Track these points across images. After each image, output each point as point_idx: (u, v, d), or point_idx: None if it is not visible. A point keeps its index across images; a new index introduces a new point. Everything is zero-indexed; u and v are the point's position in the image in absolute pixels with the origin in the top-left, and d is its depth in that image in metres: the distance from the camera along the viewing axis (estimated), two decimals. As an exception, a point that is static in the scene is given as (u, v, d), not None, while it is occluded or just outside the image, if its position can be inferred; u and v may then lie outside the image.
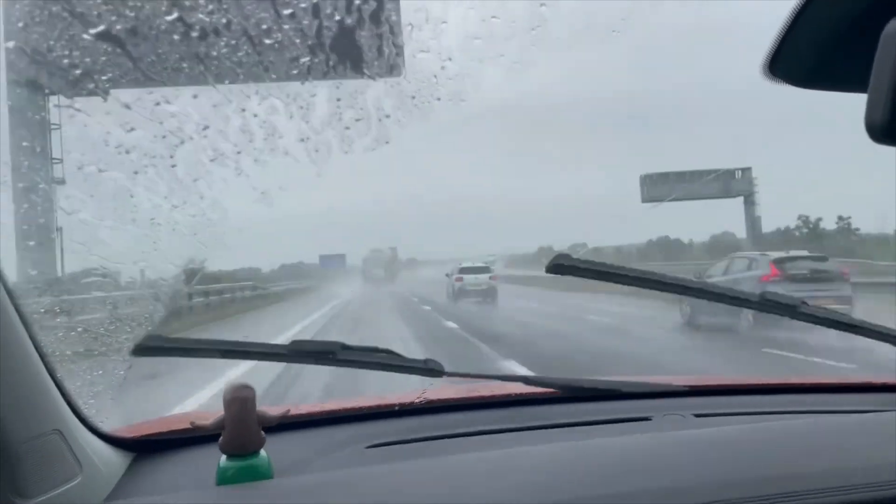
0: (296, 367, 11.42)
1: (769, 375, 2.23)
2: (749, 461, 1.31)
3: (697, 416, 1.81)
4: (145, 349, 1.43)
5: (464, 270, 31.20)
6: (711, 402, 1.96)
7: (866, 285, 18.73)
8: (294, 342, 1.51)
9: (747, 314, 13.73)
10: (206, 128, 2.06)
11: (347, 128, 2.40)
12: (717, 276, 17.22)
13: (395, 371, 1.66)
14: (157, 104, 2.07)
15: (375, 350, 1.62)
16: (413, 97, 2.63)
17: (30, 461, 1.17)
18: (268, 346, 1.53)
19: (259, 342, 1.50)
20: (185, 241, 1.77)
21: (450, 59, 2.65)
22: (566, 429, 1.75)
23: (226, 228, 1.97)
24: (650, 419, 1.79)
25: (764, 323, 13.47)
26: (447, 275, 32.47)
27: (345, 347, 1.55)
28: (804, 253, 18.59)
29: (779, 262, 16.78)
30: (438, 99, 2.64)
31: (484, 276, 30.85)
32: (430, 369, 1.64)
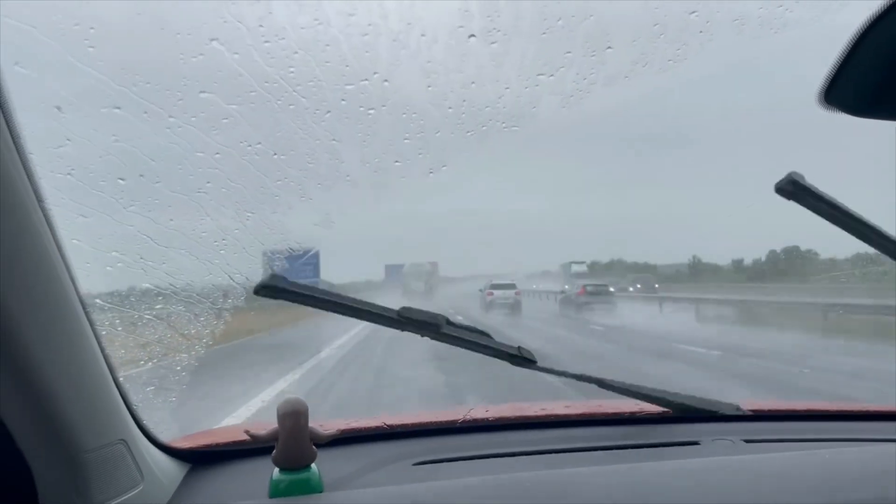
0: (333, 379, 11.77)
1: (820, 402, 2.14)
2: (798, 490, 1.29)
3: (748, 441, 1.78)
4: (266, 288, 1.42)
5: (494, 287, 36.81)
6: (762, 427, 1.92)
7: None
8: (404, 308, 1.53)
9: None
10: (275, 154, 2.16)
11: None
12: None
13: (489, 354, 1.66)
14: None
15: (475, 330, 1.63)
16: (469, 131, 2.68)
17: (96, 469, 1.22)
18: (379, 307, 1.52)
19: (371, 303, 1.51)
20: (245, 259, 1.85)
21: (507, 89, 2.69)
22: (615, 451, 1.73)
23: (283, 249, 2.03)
24: (699, 443, 1.76)
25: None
26: (480, 290, 37.91)
27: (448, 323, 1.57)
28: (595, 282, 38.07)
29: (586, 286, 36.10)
30: (496, 126, 2.68)
31: (511, 292, 36.42)
32: (522, 357, 1.66)
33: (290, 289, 1.43)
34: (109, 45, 1.81)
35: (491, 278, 38.61)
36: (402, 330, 1.56)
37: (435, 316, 1.55)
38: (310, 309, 1.49)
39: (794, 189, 1.37)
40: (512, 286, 36.87)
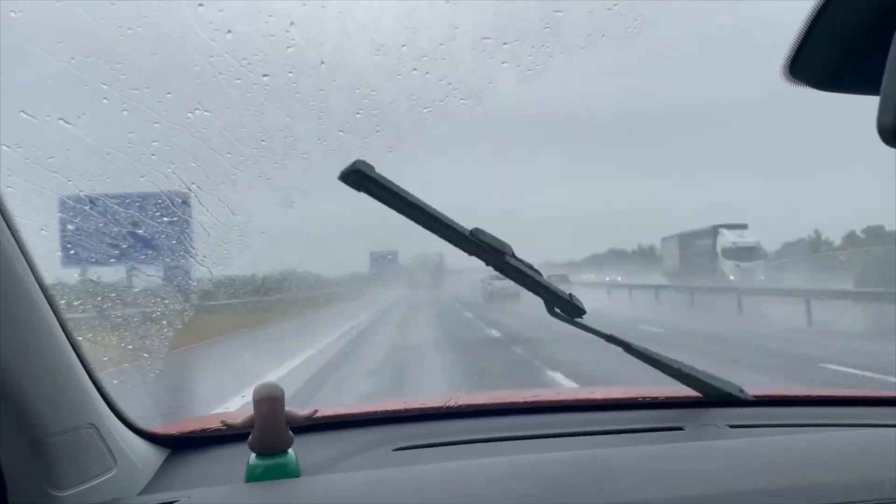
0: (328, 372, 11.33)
1: (803, 388, 2.18)
2: (781, 473, 1.31)
3: (732, 426, 1.79)
4: (354, 173, 1.41)
5: (494, 277, 37.18)
6: (745, 412, 1.94)
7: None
8: (476, 230, 1.54)
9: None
10: (226, 130, 2.10)
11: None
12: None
13: (542, 295, 1.67)
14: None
15: (534, 270, 1.64)
16: (427, 107, 2.66)
17: (63, 453, 1.21)
18: (453, 222, 1.51)
19: (445, 216, 1.49)
20: (211, 244, 1.81)
21: (462, 63, 2.67)
22: (597, 436, 1.75)
23: (249, 231, 2.00)
24: (683, 429, 1.77)
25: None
26: (482, 280, 39.75)
27: (513, 255, 1.59)
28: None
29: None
30: (453, 102, 2.67)
31: (509, 282, 37.41)
32: (572, 305, 1.68)
33: (377, 179, 1.42)
34: (48, 24, 1.74)
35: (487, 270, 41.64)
36: (470, 254, 1.56)
37: (503, 244, 1.57)
38: (285, 307, 1.48)
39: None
40: None
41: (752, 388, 1.96)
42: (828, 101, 1.22)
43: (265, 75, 2.35)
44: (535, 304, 1.75)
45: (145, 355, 1.83)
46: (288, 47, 2.57)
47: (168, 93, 2.16)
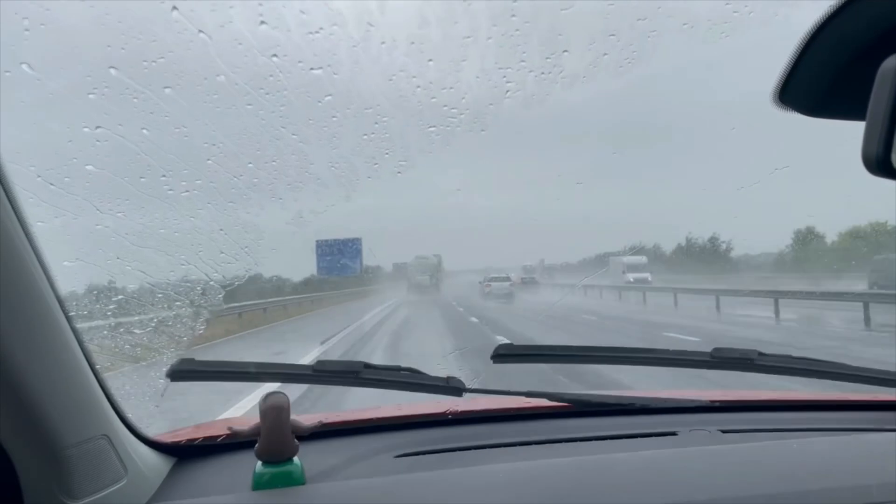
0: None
1: (795, 392, 2.19)
2: (773, 478, 1.33)
3: (724, 431, 1.80)
4: (179, 373, 1.52)
5: (491, 279, 44.76)
6: (738, 417, 1.95)
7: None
8: (319, 362, 1.56)
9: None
10: (241, 155, 2.17)
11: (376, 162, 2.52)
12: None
13: (417, 390, 1.68)
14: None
15: (399, 369, 1.65)
16: (432, 127, 2.73)
17: (78, 464, 1.23)
18: (293, 366, 1.57)
19: (285, 363, 1.56)
20: (221, 258, 1.86)
21: (469, 92, 2.74)
22: (593, 442, 1.76)
23: (261, 247, 2.05)
24: (676, 434, 1.79)
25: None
26: (480, 282, 45.83)
27: (367, 366, 1.59)
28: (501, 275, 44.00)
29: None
30: (460, 126, 2.73)
31: (506, 283, 44.56)
32: (451, 387, 1.68)
33: (201, 369, 1.53)
34: (77, 47, 1.81)
35: (485, 272, 47.09)
36: (322, 383, 1.62)
37: (352, 364, 1.58)
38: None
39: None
40: (507, 279, 45.04)
41: (744, 394, 1.97)
42: (810, 125, 1.26)
43: (282, 106, 2.42)
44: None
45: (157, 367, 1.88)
46: (304, 78, 2.65)
47: (183, 126, 2.24)
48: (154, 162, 1.92)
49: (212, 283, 1.87)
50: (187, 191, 1.97)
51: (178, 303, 1.87)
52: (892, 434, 1.61)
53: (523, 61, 2.77)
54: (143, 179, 1.86)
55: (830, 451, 1.55)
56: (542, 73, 2.77)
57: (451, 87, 2.70)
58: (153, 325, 1.88)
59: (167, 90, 2.22)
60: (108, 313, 1.81)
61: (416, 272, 53.59)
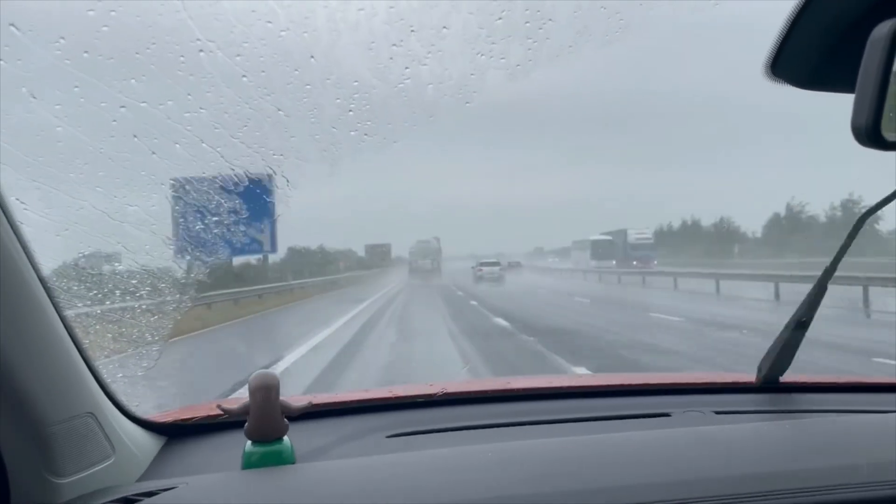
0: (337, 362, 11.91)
1: (788, 375, 2.21)
2: (765, 458, 1.34)
3: (717, 413, 1.82)
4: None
5: (483, 264, 50.78)
6: (731, 399, 1.96)
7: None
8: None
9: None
10: (217, 128, 2.13)
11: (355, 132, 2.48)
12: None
13: None
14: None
15: None
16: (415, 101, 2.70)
17: (63, 442, 1.23)
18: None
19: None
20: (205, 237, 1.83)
21: (452, 63, 2.71)
22: (585, 423, 1.77)
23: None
24: (670, 415, 1.80)
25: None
26: (472, 266, 51.52)
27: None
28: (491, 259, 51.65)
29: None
30: (444, 99, 2.70)
31: (496, 268, 50.45)
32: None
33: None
34: (56, 23, 1.76)
35: (479, 258, 53.01)
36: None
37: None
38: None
39: None
40: (496, 263, 51.04)
41: (738, 375, 2.00)
42: (801, 97, 1.26)
43: (263, 71, 2.37)
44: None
45: (143, 344, 1.86)
46: (282, 48, 2.60)
47: (166, 99, 2.18)
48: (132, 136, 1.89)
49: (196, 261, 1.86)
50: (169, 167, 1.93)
51: (162, 282, 1.85)
52: (885, 416, 1.63)
53: (507, 32, 2.74)
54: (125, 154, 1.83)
55: (822, 432, 1.56)
56: (527, 39, 2.73)
57: (432, 55, 2.66)
58: (142, 307, 1.86)
59: (148, 51, 2.17)
60: (94, 294, 1.78)
61: (417, 256, 54.69)
